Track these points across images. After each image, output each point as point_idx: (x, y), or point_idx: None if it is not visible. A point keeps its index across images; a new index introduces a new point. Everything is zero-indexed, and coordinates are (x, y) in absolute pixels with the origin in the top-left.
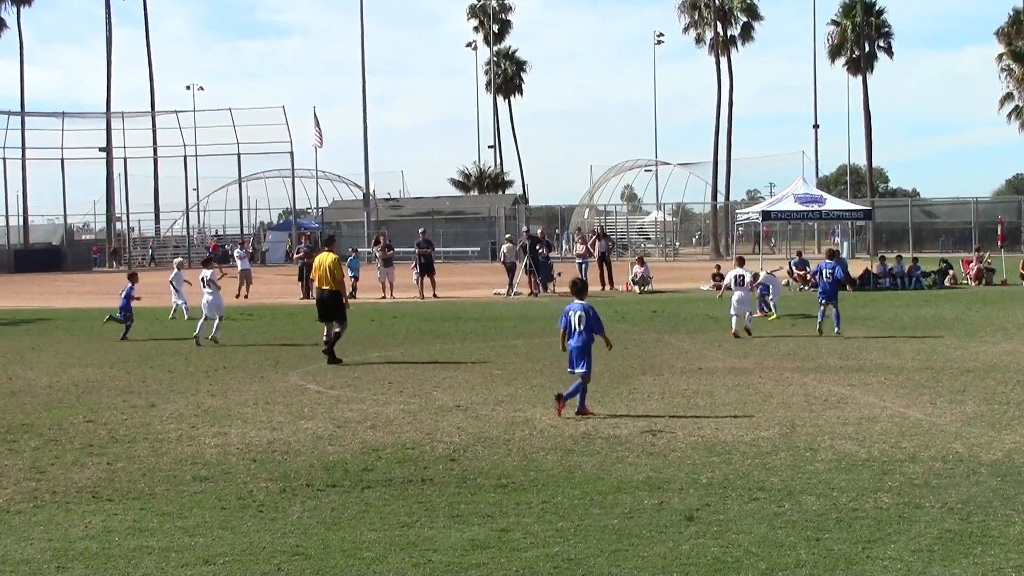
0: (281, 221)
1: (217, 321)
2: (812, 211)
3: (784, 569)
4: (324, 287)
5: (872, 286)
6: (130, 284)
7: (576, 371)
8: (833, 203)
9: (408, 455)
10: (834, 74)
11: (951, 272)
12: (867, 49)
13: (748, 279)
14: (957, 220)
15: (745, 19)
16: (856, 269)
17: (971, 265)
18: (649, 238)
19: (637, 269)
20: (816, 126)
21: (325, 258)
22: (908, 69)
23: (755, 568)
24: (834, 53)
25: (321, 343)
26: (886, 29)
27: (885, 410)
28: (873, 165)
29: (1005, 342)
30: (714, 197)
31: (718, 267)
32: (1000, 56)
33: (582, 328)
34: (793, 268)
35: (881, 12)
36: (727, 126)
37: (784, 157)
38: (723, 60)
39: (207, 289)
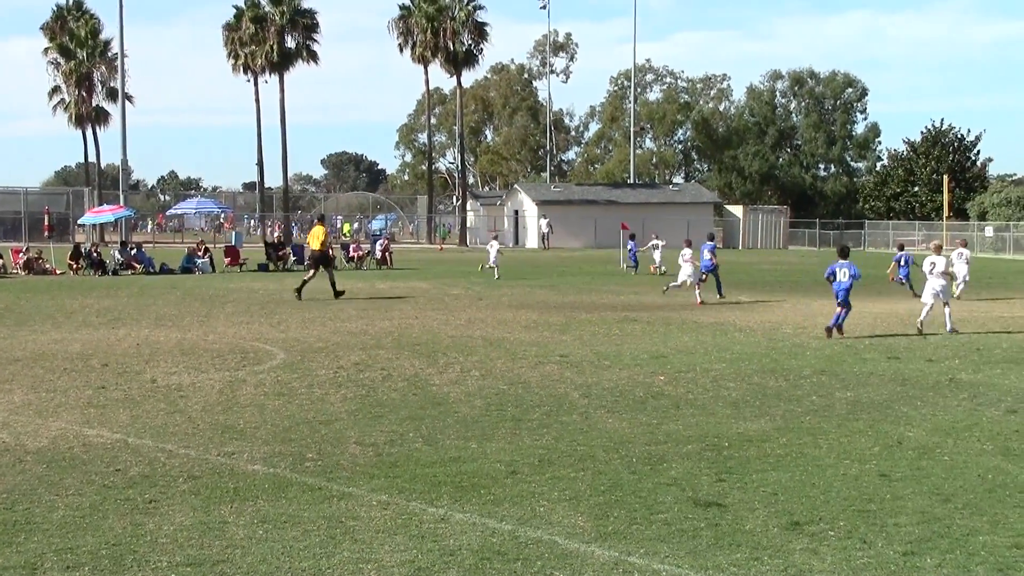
0: None
1: None
2: None
3: None
4: (315, 248)
5: None
6: None
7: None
8: None
9: None
10: None
11: (2, 261)
12: None
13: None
14: (7, 210)
15: None
16: None
17: (20, 255)
18: None
19: None
20: None
21: (319, 230)
22: None
23: None
24: None
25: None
26: None
27: None
28: None
29: (54, 331)
30: None
31: None
32: (47, 50)
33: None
34: None
35: None
36: None
37: None
38: None
39: None
